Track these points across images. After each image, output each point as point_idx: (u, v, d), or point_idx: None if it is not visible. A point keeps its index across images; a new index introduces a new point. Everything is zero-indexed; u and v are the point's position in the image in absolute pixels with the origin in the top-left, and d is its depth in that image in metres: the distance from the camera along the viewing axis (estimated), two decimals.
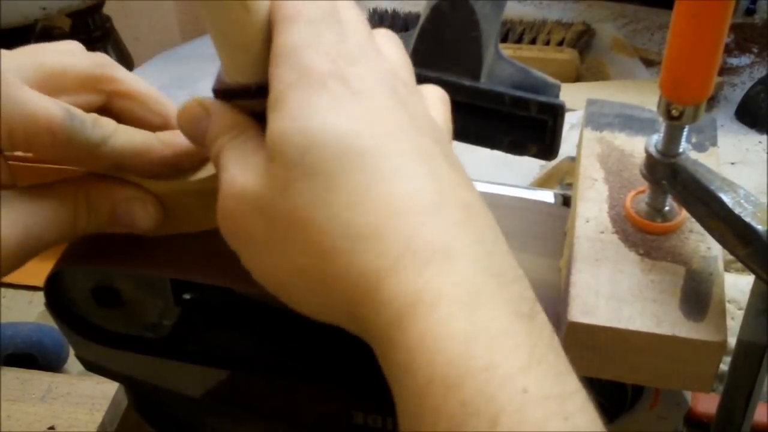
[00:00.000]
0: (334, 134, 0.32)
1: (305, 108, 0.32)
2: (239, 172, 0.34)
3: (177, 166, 0.39)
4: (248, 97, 0.35)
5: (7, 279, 0.82)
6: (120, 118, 0.39)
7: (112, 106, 0.39)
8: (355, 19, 0.36)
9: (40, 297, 0.77)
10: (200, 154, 0.39)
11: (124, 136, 0.38)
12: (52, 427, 0.64)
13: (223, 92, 0.36)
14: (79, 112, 0.36)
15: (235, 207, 0.34)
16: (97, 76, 0.39)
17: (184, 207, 0.40)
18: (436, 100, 0.38)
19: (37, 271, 0.46)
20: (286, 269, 0.33)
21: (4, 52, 0.37)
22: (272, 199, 0.33)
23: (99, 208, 0.38)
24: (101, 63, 0.39)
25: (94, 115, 0.37)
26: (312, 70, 0.33)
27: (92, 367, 0.51)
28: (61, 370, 0.76)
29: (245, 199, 0.33)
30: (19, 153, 0.37)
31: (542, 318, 0.32)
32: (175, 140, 0.39)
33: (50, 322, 0.56)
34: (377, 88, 0.34)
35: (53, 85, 0.37)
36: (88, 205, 0.38)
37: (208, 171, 0.40)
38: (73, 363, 0.76)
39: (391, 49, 0.37)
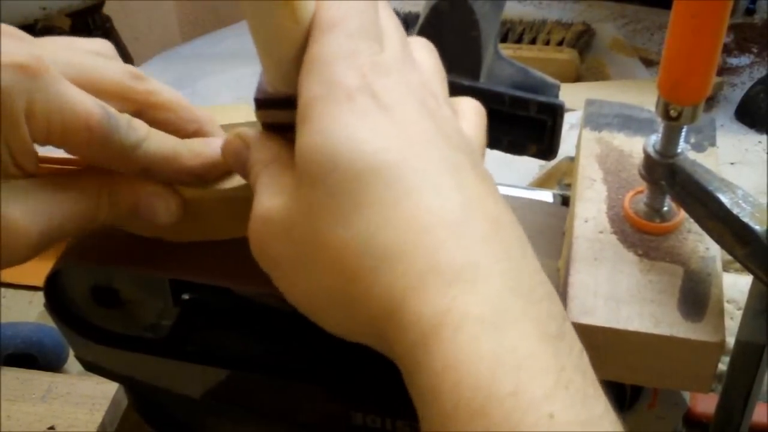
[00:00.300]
0: (360, 150, 0.31)
1: (330, 123, 0.32)
2: (267, 195, 0.34)
3: (204, 176, 0.39)
4: (288, 107, 0.34)
5: (7, 279, 0.83)
6: (154, 127, 0.39)
7: (145, 116, 0.39)
8: (393, 28, 0.35)
9: (40, 297, 0.78)
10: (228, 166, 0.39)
11: (156, 142, 0.37)
12: (52, 427, 0.64)
13: (264, 102, 0.35)
14: (116, 112, 0.36)
15: (263, 230, 0.34)
16: (131, 86, 0.38)
17: (209, 213, 0.40)
18: (470, 111, 0.38)
19: (37, 271, 0.46)
20: (314, 291, 0.33)
21: (38, 39, 0.37)
22: (298, 220, 0.32)
23: (121, 201, 0.38)
24: (135, 74, 0.39)
25: (129, 117, 0.37)
26: (341, 84, 0.32)
27: (91, 367, 0.51)
28: (61, 370, 0.76)
29: (272, 221, 0.33)
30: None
31: (571, 336, 0.31)
32: (205, 150, 0.39)
33: (50, 322, 0.56)
34: (406, 101, 0.33)
35: (88, 87, 0.36)
36: (110, 198, 0.38)
37: (236, 181, 0.40)
38: (73, 363, 0.76)
39: (425, 59, 0.37)
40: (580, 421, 0.29)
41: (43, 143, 0.36)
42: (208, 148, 0.39)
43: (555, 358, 0.30)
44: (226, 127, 0.42)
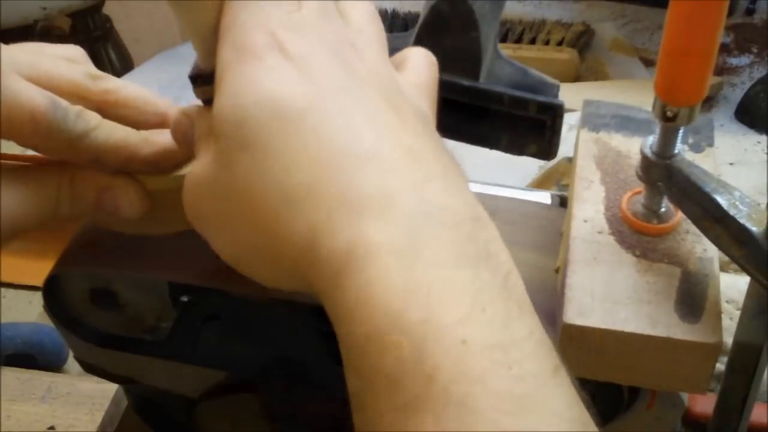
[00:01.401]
0: (267, 100, 0.32)
1: (239, 82, 0.32)
2: (197, 161, 0.35)
3: (159, 164, 0.40)
4: (212, 83, 0.36)
5: (7, 279, 0.83)
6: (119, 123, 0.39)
7: (106, 114, 0.39)
8: None
9: (40, 297, 0.77)
10: (184, 153, 0.39)
11: (106, 131, 0.38)
12: (52, 427, 0.64)
13: (196, 78, 0.37)
14: (64, 103, 0.37)
15: (192, 192, 0.35)
16: (87, 86, 0.39)
17: (175, 204, 0.41)
18: (419, 63, 0.38)
19: (37, 271, 0.46)
20: (241, 243, 0.34)
21: (3, 46, 0.37)
22: (219, 177, 0.33)
23: (83, 194, 0.39)
24: (94, 74, 0.40)
25: (80, 108, 0.37)
26: (248, 45, 0.33)
27: (91, 368, 0.51)
28: (61, 370, 0.76)
29: (199, 183, 0.34)
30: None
31: (498, 258, 0.30)
32: (158, 138, 0.39)
33: (50, 322, 0.57)
34: (316, 51, 0.33)
35: (44, 86, 0.37)
36: (71, 191, 0.38)
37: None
38: (72, 363, 0.76)
39: (359, 20, 0.37)
40: (498, 344, 0.28)
41: None
42: (162, 136, 0.39)
43: (472, 281, 0.29)
44: None
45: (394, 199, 0.30)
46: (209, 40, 0.35)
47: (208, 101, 0.37)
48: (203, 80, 0.37)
